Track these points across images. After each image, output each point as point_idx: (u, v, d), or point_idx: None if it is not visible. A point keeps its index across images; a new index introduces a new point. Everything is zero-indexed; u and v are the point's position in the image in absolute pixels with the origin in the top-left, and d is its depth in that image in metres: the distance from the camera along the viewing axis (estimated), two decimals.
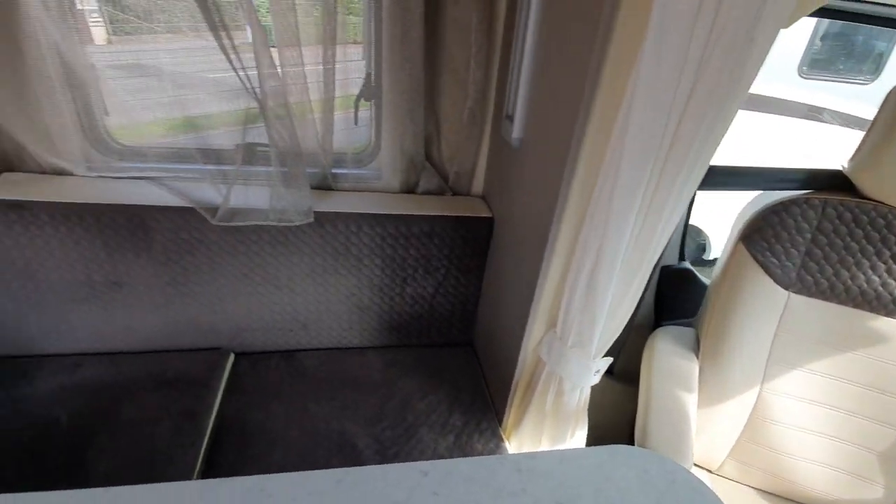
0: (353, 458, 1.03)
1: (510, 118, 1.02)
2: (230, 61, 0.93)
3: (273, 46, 0.96)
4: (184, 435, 1.01)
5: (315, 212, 1.09)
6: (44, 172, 1.09)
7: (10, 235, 1.00)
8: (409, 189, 1.28)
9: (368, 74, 1.16)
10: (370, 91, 1.17)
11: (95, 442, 0.98)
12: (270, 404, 1.14)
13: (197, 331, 1.23)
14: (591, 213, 0.76)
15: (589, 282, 0.80)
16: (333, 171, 1.20)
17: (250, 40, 0.93)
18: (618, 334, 0.89)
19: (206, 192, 1.08)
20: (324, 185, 1.21)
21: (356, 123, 1.19)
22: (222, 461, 1.00)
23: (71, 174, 1.09)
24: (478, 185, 1.31)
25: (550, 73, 0.87)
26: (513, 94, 1.00)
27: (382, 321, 1.33)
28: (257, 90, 0.96)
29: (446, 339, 1.40)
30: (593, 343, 0.86)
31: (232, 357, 1.26)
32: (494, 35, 1.10)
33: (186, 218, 1.06)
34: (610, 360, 0.93)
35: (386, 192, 1.26)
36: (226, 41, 0.90)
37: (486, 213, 1.22)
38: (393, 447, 1.07)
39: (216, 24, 0.88)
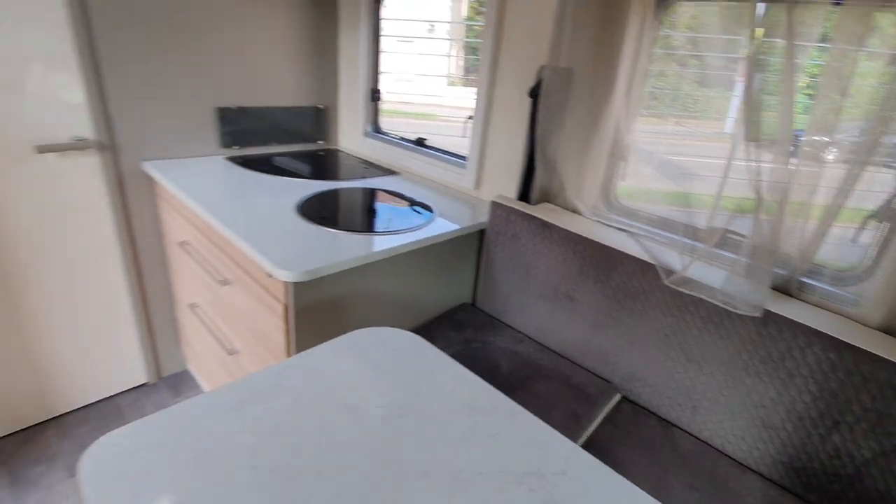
0: None
1: None
2: (747, 151, 1.05)
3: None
4: (567, 428, 1.24)
5: (764, 309, 1.09)
6: (565, 208, 1.56)
7: (534, 242, 1.51)
8: (891, 330, 1.06)
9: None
10: (889, 212, 1.05)
11: (514, 394, 1.35)
12: (636, 453, 1.23)
13: (600, 360, 1.45)
14: None
15: None
16: (802, 279, 1.15)
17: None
18: None
19: (670, 257, 1.27)
20: (783, 289, 1.18)
21: (854, 241, 1.10)
22: None
23: (580, 214, 1.52)
24: None
25: None
26: None
27: (783, 453, 1.16)
28: (762, 183, 1.05)
29: None
30: None
31: (618, 396, 1.42)
32: None
33: (644, 270, 1.28)
34: None
35: (857, 322, 1.10)
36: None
37: None
38: None
39: (750, 114, 1.02)
